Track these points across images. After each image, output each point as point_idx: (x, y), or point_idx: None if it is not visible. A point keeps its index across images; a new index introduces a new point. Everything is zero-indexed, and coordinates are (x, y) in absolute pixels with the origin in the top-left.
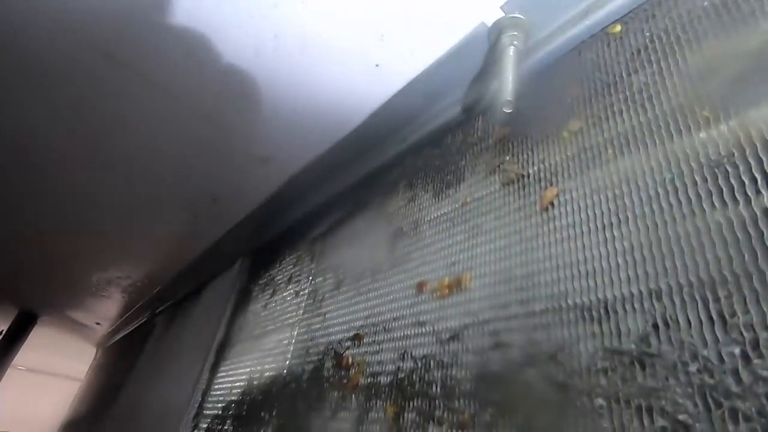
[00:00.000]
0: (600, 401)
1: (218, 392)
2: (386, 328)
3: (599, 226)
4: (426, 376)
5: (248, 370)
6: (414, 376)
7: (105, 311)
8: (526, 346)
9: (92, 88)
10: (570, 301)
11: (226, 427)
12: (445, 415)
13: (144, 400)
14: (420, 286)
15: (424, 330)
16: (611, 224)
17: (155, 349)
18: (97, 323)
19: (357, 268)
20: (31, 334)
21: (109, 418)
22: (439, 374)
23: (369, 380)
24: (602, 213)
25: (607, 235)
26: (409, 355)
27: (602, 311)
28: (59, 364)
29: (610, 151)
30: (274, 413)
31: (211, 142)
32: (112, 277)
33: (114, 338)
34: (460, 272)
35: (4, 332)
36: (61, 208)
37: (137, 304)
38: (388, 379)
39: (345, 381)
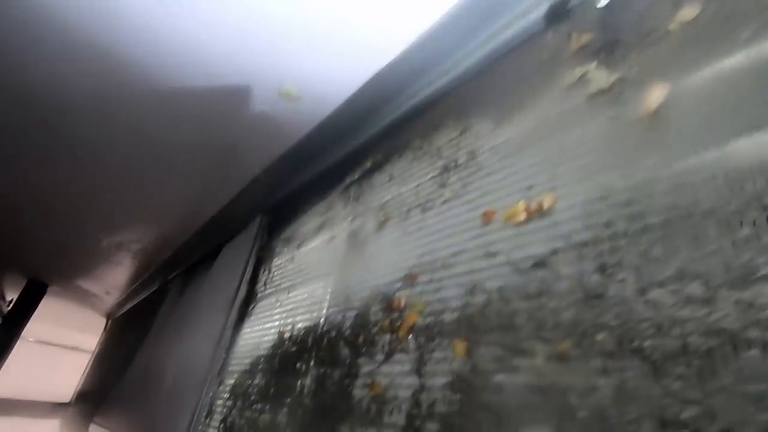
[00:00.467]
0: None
1: (244, 348)
2: (445, 264)
3: (725, 119)
4: (504, 308)
5: (277, 324)
6: (488, 310)
7: (115, 279)
8: (642, 264)
9: (104, 18)
10: (703, 207)
11: (256, 381)
12: (537, 346)
13: (162, 364)
14: (487, 216)
15: (496, 261)
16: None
17: (170, 314)
18: (107, 292)
19: (402, 207)
20: (41, 305)
21: (125, 384)
22: (524, 305)
23: (429, 320)
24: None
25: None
26: (480, 289)
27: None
28: (69, 336)
29: (745, 33)
30: (312, 363)
31: (232, 75)
32: (122, 240)
33: (124, 308)
34: (541, 195)
35: (13, 301)
36: (68, 167)
37: (148, 271)
38: (454, 316)
39: (399, 323)
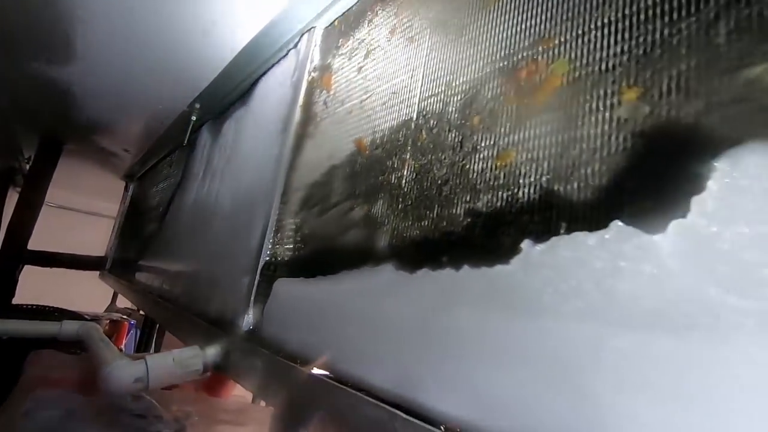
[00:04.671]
0: None
1: (311, 165)
2: (593, 10)
3: None
4: (697, 27)
5: (353, 136)
6: (672, 39)
7: (135, 134)
8: None
9: None
10: None
11: (335, 187)
12: (758, 57)
13: (210, 204)
14: None
15: None
16: None
17: (206, 159)
18: (126, 150)
19: None
20: (58, 169)
21: (165, 234)
22: (729, 20)
23: (575, 74)
24: None
25: None
26: (648, 22)
27: None
28: (91, 203)
29: None
30: (407, 156)
31: None
32: (143, 84)
33: (144, 167)
34: None
35: (31, 158)
36: None
37: (171, 122)
38: (615, 61)
39: (532, 90)
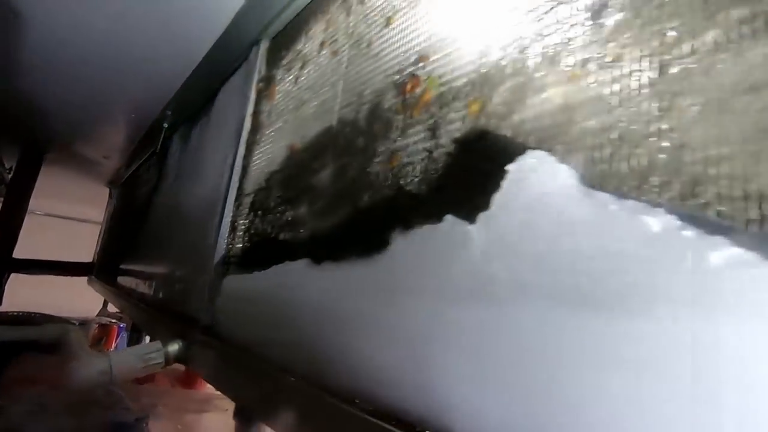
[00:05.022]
0: None
1: (257, 171)
2: (459, 35)
3: None
4: (519, 56)
5: (286, 142)
6: (503, 63)
7: (112, 141)
8: None
9: None
10: None
11: (274, 192)
12: (550, 79)
13: (178, 209)
14: None
15: (511, 17)
16: None
17: (177, 165)
18: (105, 156)
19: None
20: (41, 178)
21: (144, 238)
22: (538, 48)
23: (442, 90)
24: None
25: None
26: (494, 47)
27: None
28: (76, 209)
29: None
30: (328, 160)
31: None
32: (114, 93)
33: (126, 173)
34: None
35: (13, 169)
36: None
37: (146, 128)
38: (467, 80)
39: (413, 102)
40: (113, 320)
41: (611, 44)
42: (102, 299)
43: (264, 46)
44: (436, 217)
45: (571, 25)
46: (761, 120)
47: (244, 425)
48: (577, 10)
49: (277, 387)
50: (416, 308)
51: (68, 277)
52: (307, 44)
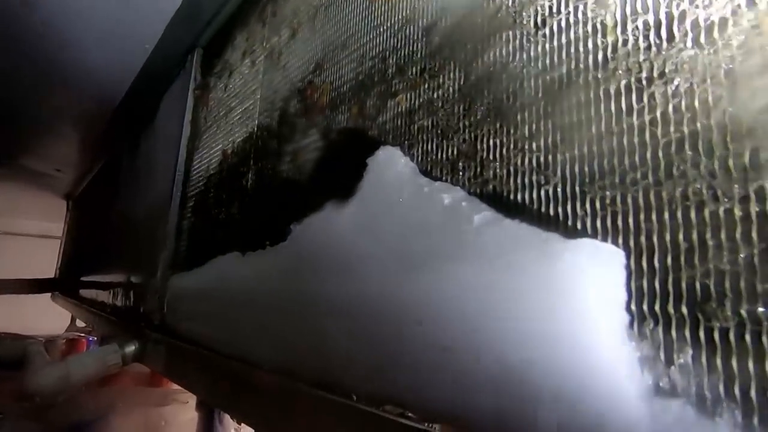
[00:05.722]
0: None
1: (198, 176)
2: (343, 45)
3: None
4: (382, 66)
5: (220, 147)
6: (372, 72)
7: (62, 154)
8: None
9: None
10: None
11: (211, 195)
12: (400, 86)
13: (131, 219)
14: None
15: (378, 31)
16: None
17: (129, 174)
18: (58, 170)
19: (310, 11)
20: None
21: (103, 249)
22: (393, 59)
23: (333, 95)
24: None
25: None
26: (366, 57)
27: None
28: (35, 225)
29: None
30: (251, 163)
31: None
32: (58, 105)
33: (82, 185)
34: None
35: None
36: None
37: (95, 139)
38: (349, 86)
39: (312, 107)
40: (81, 334)
41: (437, 57)
42: (69, 314)
43: (198, 53)
44: (320, 205)
45: (414, 41)
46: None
47: (206, 414)
48: (418, 28)
49: (222, 372)
50: (310, 284)
51: (32, 295)
52: (233, 54)
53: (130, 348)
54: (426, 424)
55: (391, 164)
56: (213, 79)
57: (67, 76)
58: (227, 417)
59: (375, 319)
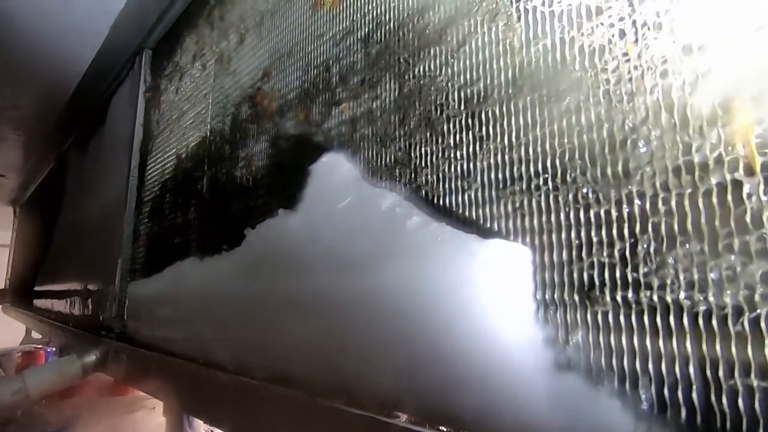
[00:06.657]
0: None
1: (153, 180)
2: (289, 53)
3: None
4: (326, 75)
5: (174, 151)
6: (317, 80)
7: (5, 158)
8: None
9: None
10: None
11: (167, 199)
12: (343, 95)
13: (82, 225)
14: (315, 4)
15: (322, 40)
16: None
17: (78, 179)
18: (2, 175)
19: (257, 16)
20: None
21: (53, 257)
22: (336, 68)
23: (281, 102)
24: None
25: None
26: (311, 66)
27: None
28: None
29: None
30: (205, 168)
31: None
32: None
33: (29, 191)
34: None
35: None
36: None
37: (40, 144)
38: (296, 93)
39: (262, 113)
40: (39, 346)
41: (374, 68)
42: (23, 326)
43: (147, 55)
44: (273, 210)
45: (354, 51)
46: None
47: (173, 418)
48: (357, 39)
49: (185, 376)
50: (266, 286)
51: None
52: (183, 56)
53: (91, 358)
54: (385, 412)
55: (335, 170)
56: (164, 82)
57: (5, 76)
58: (196, 419)
59: (326, 315)
